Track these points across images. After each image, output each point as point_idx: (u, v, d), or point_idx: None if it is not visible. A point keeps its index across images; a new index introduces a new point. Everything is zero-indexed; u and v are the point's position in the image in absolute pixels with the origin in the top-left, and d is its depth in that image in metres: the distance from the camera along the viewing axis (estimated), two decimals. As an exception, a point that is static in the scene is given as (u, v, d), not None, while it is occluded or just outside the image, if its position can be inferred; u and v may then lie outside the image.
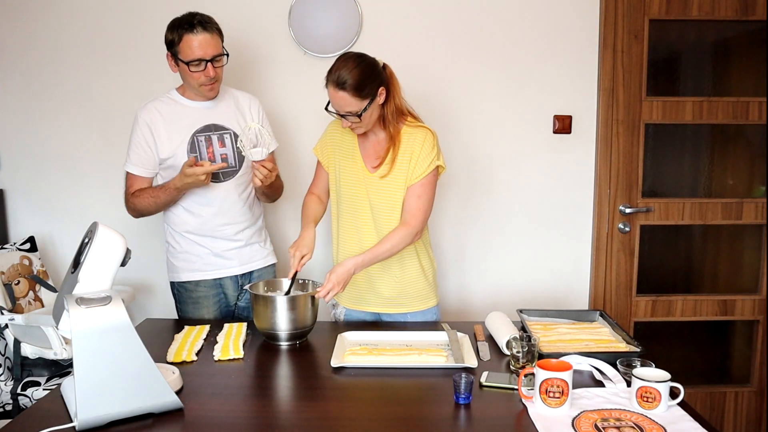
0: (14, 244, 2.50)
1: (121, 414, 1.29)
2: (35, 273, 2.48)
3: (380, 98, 1.85)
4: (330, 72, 1.81)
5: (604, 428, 1.27)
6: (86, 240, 1.38)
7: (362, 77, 1.79)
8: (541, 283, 2.76)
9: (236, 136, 2.05)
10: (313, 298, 1.83)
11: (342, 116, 1.84)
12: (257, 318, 1.81)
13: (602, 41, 2.61)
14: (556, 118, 2.66)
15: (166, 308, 2.67)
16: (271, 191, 2.15)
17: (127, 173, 2.08)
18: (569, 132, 2.67)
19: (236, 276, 2.16)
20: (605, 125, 2.65)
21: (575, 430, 1.27)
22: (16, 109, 2.62)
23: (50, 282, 2.52)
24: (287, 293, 1.86)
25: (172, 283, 2.19)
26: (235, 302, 2.20)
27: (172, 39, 1.94)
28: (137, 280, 2.67)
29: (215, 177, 2.04)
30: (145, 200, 2.02)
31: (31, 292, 2.43)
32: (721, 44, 2.73)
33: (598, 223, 2.72)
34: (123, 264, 1.40)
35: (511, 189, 2.71)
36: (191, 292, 2.15)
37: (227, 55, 2.01)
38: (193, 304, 2.16)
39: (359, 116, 1.82)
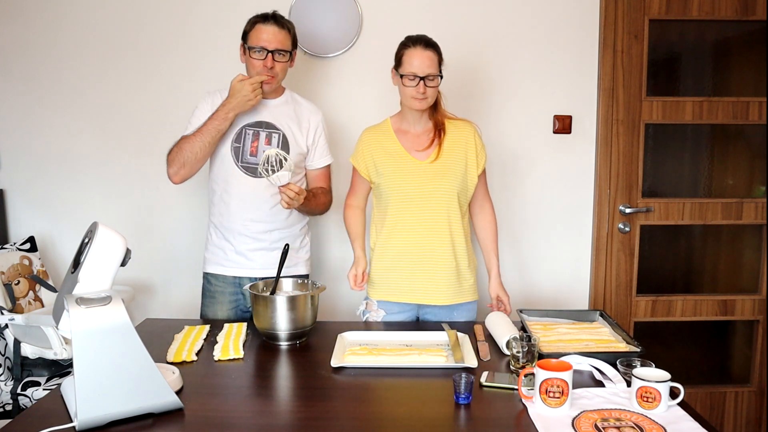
0: (14, 244, 2.50)
1: (121, 414, 1.29)
2: (35, 273, 2.48)
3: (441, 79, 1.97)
4: (410, 38, 1.96)
5: (604, 428, 1.27)
6: (86, 240, 1.38)
7: (439, 47, 1.97)
8: (541, 283, 2.76)
9: (285, 138, 2.09)
10: (313, 297, 1.83)
11: (421, 79, 1.91)
12: (257, 318, 1.81)
13: (602, 41, 2.61)
14: (556, 118, 2.66)
15: (166, 308, 2.68)
16: (308, 209, 2.13)
17: (181, 137, 2.05)
18: (569, 132, 2.67)
19: (257, 279, 2.11)
20: (605, 125, 2.65)
21: (575, 430, 1.27)
22: (16, 109, 2.62)
23: (50, 282, 2.52)
24: (272, 292, 1.86)
25: (203, 276, 2.22)
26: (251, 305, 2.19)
27: (247, 30, 2.05)
28: (137, 280, 2.67)
29: (251, 171, 2.05)
30: (190, 139, 1.99)
31: (31, 292, 2.43)
32: (721, 44, 2.73)
33: (598, 223, 2.72)
34: (123, 264, 1.40)
35: (511, 189, 2.71)
36: (212, 285, 2.18)
37: (291, 58, 2.08)
38: (210, 298, 2.17)
39: (440, 77, 1.95)
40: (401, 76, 1.95)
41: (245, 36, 2.06)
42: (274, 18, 2.03)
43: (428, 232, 2.01)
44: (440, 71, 1.96)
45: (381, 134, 2.06)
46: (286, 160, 1.92)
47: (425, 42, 1.94)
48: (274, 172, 1.89)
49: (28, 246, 2.52)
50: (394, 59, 2.00)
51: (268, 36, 2.01)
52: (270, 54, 2.01)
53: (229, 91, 1.99)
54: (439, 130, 2.02)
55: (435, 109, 2.03)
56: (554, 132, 2.67)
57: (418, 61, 1.92)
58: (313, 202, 2.10)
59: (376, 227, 2.10)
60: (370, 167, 2.05)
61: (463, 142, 2.03)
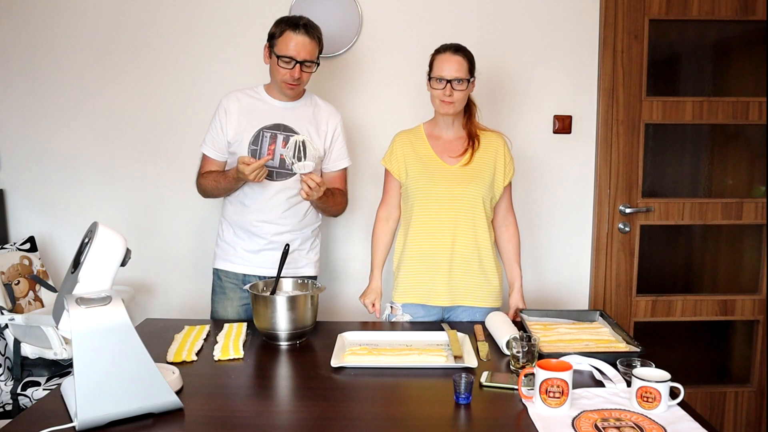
0: (14, 244, 2.51)
1: (121, 414, 1.29)
2: (35, 273, 2.48)
3: (473, 86, 2.02)
4: (442, 45, 2.01)
5: (604, 428, 1.27)
6: (86, 240, 1.38)
7: (471, 54, 2.01)
8: (541, 283, 2.76)
9: (302, 140, 2.07)
10: (312, 297, 1.83)
11: (448, 82, 1.94)
12: (257, 318, 1.81)
13: (602, 41, 2.61)
14: (556, 118, 2.66)
15: (166, 308, 2.68)
16: (325, 206, 2.13)
17: (202, 154, 2.15)
18: (569, 132, 2.67)
19: (265, 278, 2.11)
20: (605, 125, 2.65)
21: (575, 430, 1.27)
22: (16, 109, 2.62)
23: (50, 282, 2.52)
24: (272, 292, 1.86)
25: (213, 271, 2.22)
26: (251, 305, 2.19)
27: (274, 32, 2.02)
28: (137, 280, 2.67)
29: (268, 175, 2.05)
30: (209, 182, 2.09)
31: (31, 292, 2.43)
32: (721, 44, 2.73)
33: (598, 223, 2.72)
34: (123, 264, 1.40)
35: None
36: (222, 281, 2.18)
37: (318, 64, 2.06)
38: (220, 294, 2.18)
39: (469, 81, 1.97)
40: (430, 80, 1.99)
41: (271, 39, 2.02)
42: (305, 27, 1.99)
43: (453, 234, 2.01)
44: (470, 78, 1.98)
45: (413, 137, 2.09)
46: (313, 148, 1.92)
47: (455, 48, 1.98)
48: (300, 160, 1.90)
49: (28, 246, 2.52)
50: (428, 67, 2.03)
51: (298, 46, 1.98)
52: (298, 64, 1.99)
53: (237, 164, 1.95)
54: (473, 139, 2.05)
55: (468, 119, 2.07)
56: (554, 132, 2.67)
57: (446, 65, 1.95)
58: (331, 200, 2.10)
59: (403, 231, 2.11)
60: (401, 168, 2.07)
61: (493, 151, 2.06)
